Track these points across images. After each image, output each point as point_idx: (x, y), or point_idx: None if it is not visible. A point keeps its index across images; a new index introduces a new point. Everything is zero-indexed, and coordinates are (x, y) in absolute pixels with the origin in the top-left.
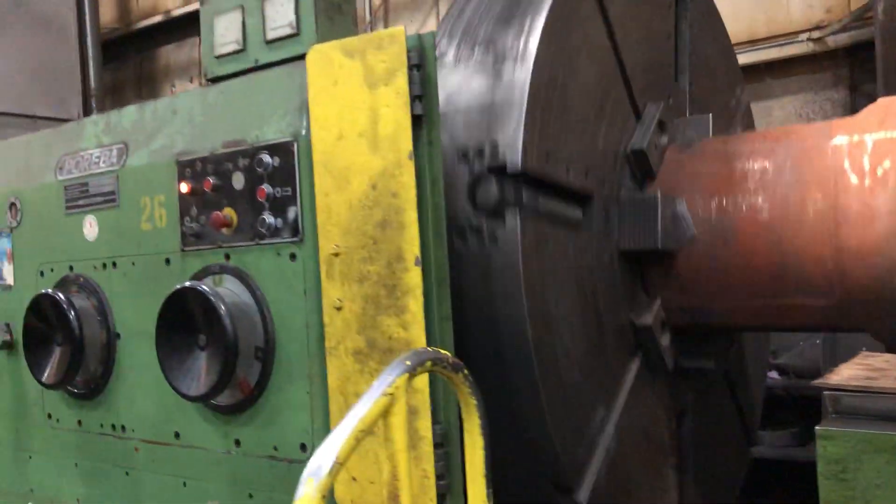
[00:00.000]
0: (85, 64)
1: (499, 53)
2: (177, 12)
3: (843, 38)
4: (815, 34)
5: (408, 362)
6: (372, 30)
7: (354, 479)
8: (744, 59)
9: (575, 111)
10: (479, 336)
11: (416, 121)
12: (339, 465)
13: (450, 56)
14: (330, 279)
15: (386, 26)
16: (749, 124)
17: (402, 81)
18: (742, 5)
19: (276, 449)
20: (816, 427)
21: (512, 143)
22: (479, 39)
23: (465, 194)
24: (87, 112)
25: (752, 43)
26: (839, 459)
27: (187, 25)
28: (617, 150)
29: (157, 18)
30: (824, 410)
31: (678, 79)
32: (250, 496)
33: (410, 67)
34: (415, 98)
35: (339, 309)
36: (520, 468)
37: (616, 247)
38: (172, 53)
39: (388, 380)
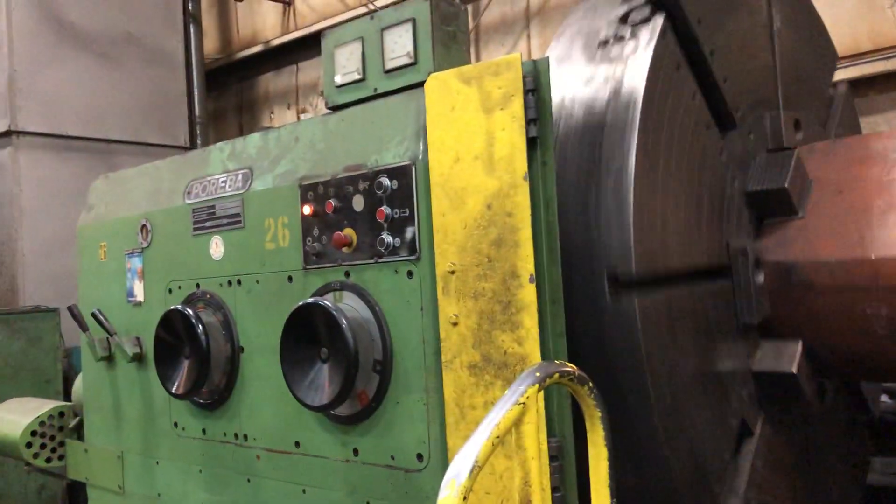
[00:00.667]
0: (191, 93)
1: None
2: (275, 42)
3: None
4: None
5: (538, 374)
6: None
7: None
8: (846, 73)
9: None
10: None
11: (531, 143)
12: (478, 468)
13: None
14: (446, 295)
15: (477, 50)
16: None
17: (517, 105)
18: (843, 18)
19: (392, 458)
20: None
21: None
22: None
23: None
24: (192, 138)
25: (855, 57)
26: None
27: (285, 54)
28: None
29: (258, 48)
30: None
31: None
32: (367, 503)
33: (526, 92)
34: (530, 121)
35: (454, 324)
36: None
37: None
38: (271, 81)
39: (520, 389)
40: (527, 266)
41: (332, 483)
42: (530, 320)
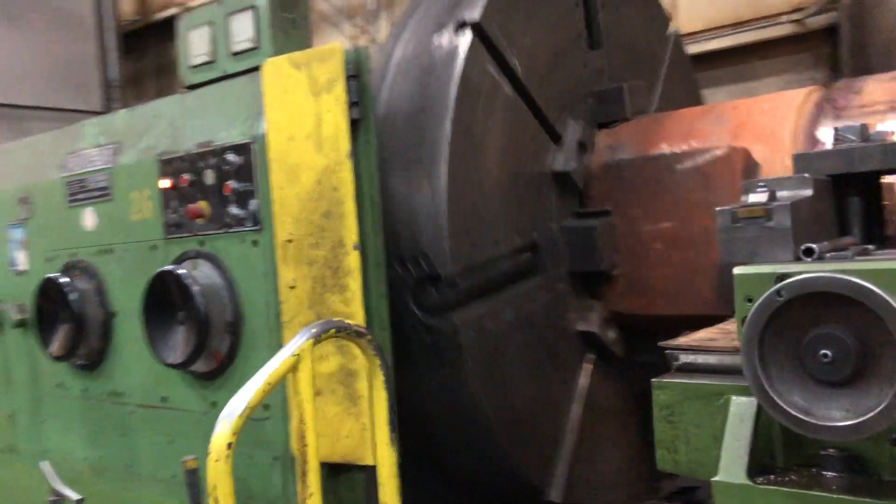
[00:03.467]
0: (104, 56)
1: (412, 177)
2: (193, 3)
3: (821, 20)
4: (795, 16)
5: (314, 329)
6: (374, 21)
7: None
8: (729, 41)
9: (493, 186)
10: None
11: (354, 124)
12: (248, 409)
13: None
14: (284, 263)
15: (389, 16)
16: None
17: (340, 90)
18: None
19: None
20: (652, 379)
21: (440, 254)
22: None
23: (410, 297)
24: (108, 103)
25: (736, 25)
26: (668, 405)
27: None
28: (541, 189)
29: (174, 10)
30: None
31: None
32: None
33: (348, 78)
34: (352, 104)
35: (292, 288)
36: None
37: (566, 270)
38: None
39: (296, 343)
40: (351, 235)
41: (195, 433)
42: (355, 283)
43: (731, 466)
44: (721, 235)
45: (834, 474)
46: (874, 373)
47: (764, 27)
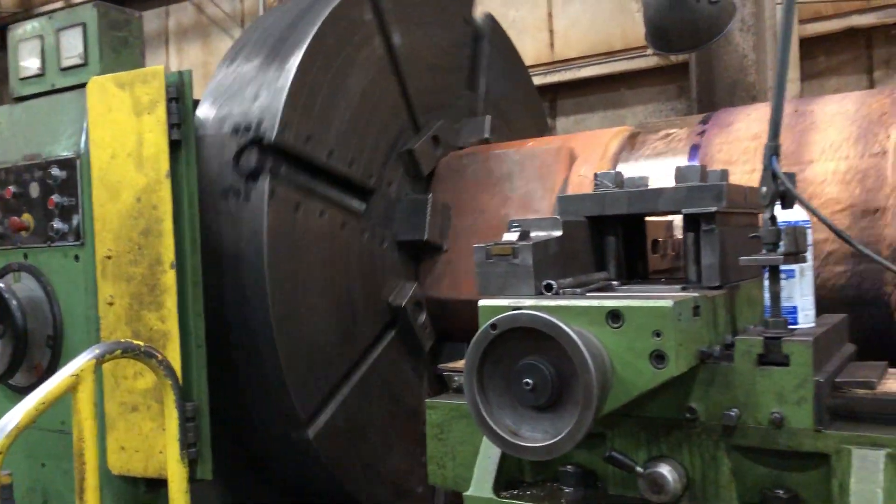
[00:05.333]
0: None
1: (276, 53)
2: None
3: (680, 55)
4: None
5: (97, 350)
6: None
7: (123, 448)
8: (601, 69)
9: (344, 111)
10: (230, 292)
11: (176, 145)
12: (17, 429)
13: (242, 55)
14: (104, 278)
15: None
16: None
17: (161, 111)
18: (600, 18)
19: (63, 423)
20: (426, 399)
21: (272, 120)
22: (266, 43)
23: (231, 162)
24: None
25: (608, 55)
26: (438, 424)
27: None
28: (392, 151)
29: (58, 4)
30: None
31: (472, 109)
32: (43, 465)
33: (169, 100)
34: (173, 126)
35: (110, 304)
36: (264, 409)
37: (393, 236)
38: None
39: (77, 364)
40: (169, 254)
41: (14, 448)
42: (171, 301)
43: (481, 481)
44: (477, 269)
45: (569, 489)
46: (568, 399)
47: (633, 58)
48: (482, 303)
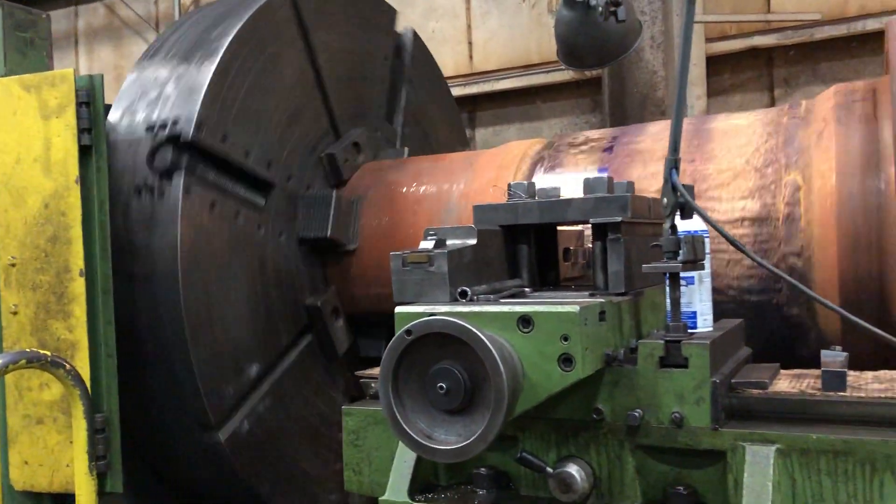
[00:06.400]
0: None
1: (195, 54)
2: None
3: (594, 70)
4: None
5: (1, 360)
6: None
7: (27, 462)
8: (518, 82)
9: (263, 113)
10: (141, 296)
11: (86, 150)
12: None
13: (159, 56)
14: (7, 287)
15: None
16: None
17: (70, 115)
18: (517, 32)
19: None
20: (342, 406)
21: (188, 118)
22: (185, 44)
23: (146, 159)
24: None
25: (526, 68)
26: (355, 430)
27: None
28: (311, 155)
29: None
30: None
31: (392, 119)
32: None
33: (80, 104)
34: (83, 130)
35: (14, 314)
36: (174, 412)
37: (297, 235)
38: None
39: None
40: (78, 261)
41: None
42: (80, 310)
43: (397, 486)
44: (394, 277)
45: (483, 491)
46: (481, 402)
47: (549, 72)
48: (398, 310)
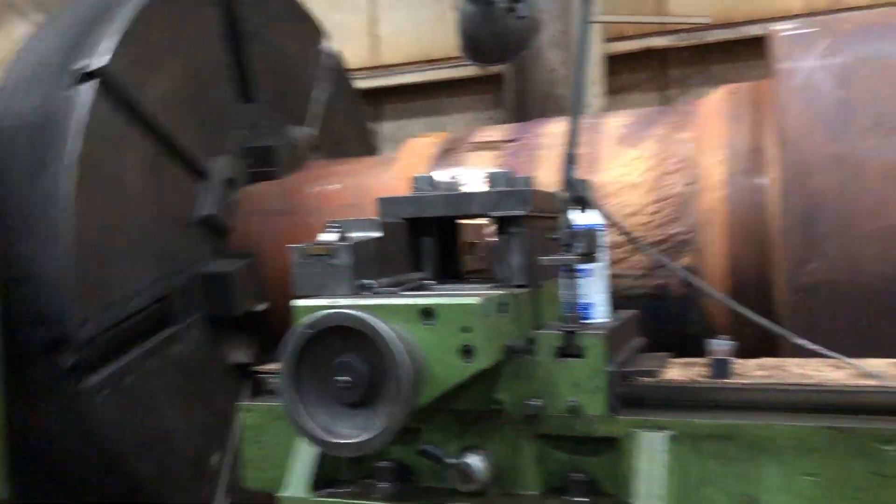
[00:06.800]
0: None
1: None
2: None
3: (496, 66)
4: None
5: None
6: None
7: None
8: (423, 76)
9: (176, 78)
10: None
11: None
12: None
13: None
14: None
15: None
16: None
17: None
18: (422, 26)
19: None
20: (238, 403)
21: (103, 54)
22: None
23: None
24: None
25: (431, 62)
26: (255, 426)
27: None
28: (189, 224)
29: None
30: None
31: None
32: None
33: None
34: None
35: None
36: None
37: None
38: None
39: None
40: None
41: None
42: None
43: (296, 481)
44: (294, 270)
45: (385, 484)
46: (383, 395)
47: (453, 67)
48: (298, 303)
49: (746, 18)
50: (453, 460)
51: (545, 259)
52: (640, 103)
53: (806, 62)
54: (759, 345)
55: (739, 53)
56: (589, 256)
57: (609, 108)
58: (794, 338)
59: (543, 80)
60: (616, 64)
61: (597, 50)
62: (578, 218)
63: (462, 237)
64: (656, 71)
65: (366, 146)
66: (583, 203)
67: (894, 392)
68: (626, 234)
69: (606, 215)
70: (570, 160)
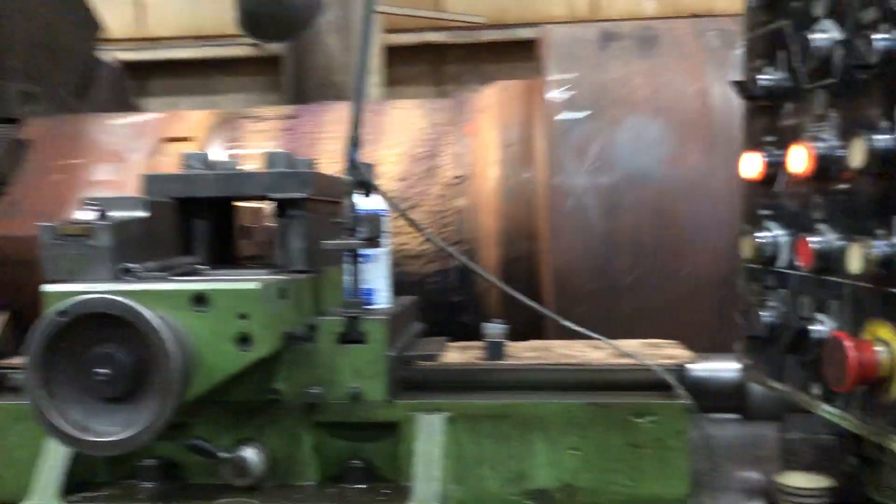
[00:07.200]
0: None
1: None
2: None
3: (275, 47)
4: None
5: None
6: None
7: None
8: (194, 53)
9: None
10: None
11: None
12: None
13: None
14: None
15: None
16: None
17: None
18: (203, 3)
19: None
20: None
21: None
22: None
23: None
24: None
25: (204, 38)
26: None
27: None
28: None
29: None
30: None
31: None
32: None
33: None
34: None
35: None
36: None
37: None
38: None
39: None
40: None
41: None
42: None
43: (44, 487)
44: (44, 252)
45: (150, 484)
46: (148, 388)
47: (228, 45)
48: (47, 288)
49: (518, 21)
50: (226, 454)
51: (329, 243)
52: (416, 96)
53: None
54: (528, 328)
55: (512, 54)
56: (373, 241)
57: (386, 98)
58: (563, 320)
59: (322, 66)
60: (393, 56)
61: (376, 41)
62: (362, 202)
63: (238, 220)
64: (432, 66)
65: None
66: (367, 187)
67: (647, 369)
68: (408, 219)
69: (390, 200)
70: (354, 144)
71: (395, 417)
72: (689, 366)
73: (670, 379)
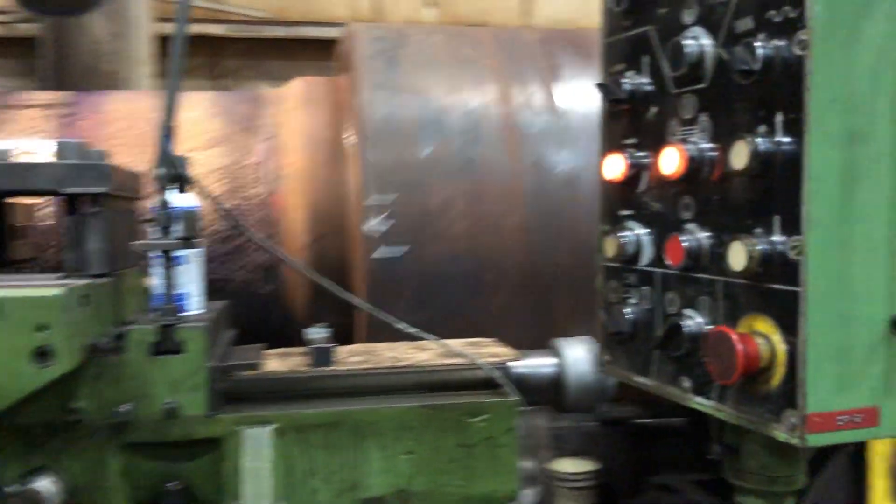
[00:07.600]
0: None
1: None
2: None
3: (30, 29)
4: (3, 18)
5: None
6: None
7: None
8: None
9: None
10: None
11: None
12: None
13: None
14: None
15: None
16: None
17: None
18: None
19: None
20: None
21: None
22: None
23: None
24: None
25: None
26: None
27: None
28: None
29: None
30: None
31: None
32: None
33: None
34: None
35: None
36: None
37: None
38: None
39: None
40: None
41: None
42: None
43: None
44: None
45: None
46: None
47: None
48: None
49: (302, 19)
50: (13, 488)
51: (140, 243)
52: (192, 90)
53: None
54: (339, 333)
55: (295, 52)
56: (188, 241)
57: (159, 90)
58: (397, 322)
59: (87, 52)
60: (168, 46)
61: (147, 29)
62: (176, 199)
63: (9, 219)
64: (210, 59)
65: None
66: (181, 181)
67: (478, 368)
68: (232, 219)
69: (209, 196)
70: (167, 135)
71: (218, 433)
72: (509, 363)
73: (500, 377)
